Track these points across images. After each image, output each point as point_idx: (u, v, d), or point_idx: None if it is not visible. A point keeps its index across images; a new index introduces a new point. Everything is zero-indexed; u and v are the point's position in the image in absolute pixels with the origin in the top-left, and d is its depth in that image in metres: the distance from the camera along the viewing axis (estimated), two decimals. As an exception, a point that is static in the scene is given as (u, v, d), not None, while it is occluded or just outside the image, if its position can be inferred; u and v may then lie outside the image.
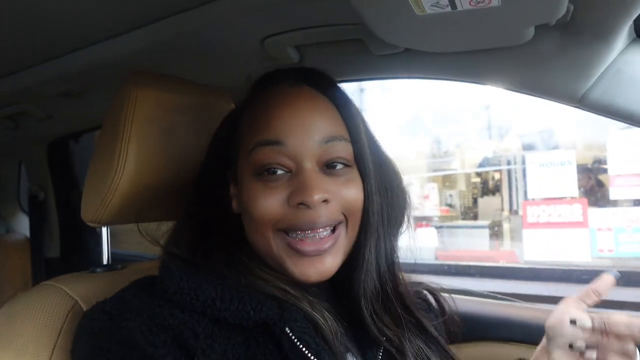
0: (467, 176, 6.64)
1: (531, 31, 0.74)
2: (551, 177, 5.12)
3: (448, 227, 6.24)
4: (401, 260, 0.80)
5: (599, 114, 0.82)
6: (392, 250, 0.76)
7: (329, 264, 0.68)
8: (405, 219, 0.80)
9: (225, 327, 0.62)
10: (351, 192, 0.69)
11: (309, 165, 0.67)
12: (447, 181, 6.67)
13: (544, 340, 0.78)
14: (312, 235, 0.66)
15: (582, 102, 0.82)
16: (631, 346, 0.68)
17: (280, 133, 0.67)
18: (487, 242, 5.83)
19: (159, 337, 0.59)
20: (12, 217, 2.31)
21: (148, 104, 0.84)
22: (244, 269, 0.67)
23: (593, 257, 4.76)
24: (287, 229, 0.67)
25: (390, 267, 0.76)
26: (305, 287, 0.68)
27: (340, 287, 0.74)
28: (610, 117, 0.81)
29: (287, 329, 0.62)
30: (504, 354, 1.06)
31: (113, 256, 0.99)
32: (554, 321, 0.73)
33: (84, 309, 0.76)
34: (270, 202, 0.66)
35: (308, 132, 0.67)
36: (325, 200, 0.66)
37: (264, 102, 0.71)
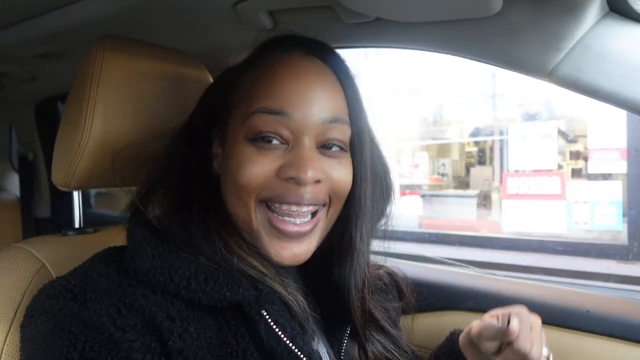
0: (462, 145, 6.61)
1: (499, 3, 0.73)
2: (532, 149, 5.16)
3: (435, 195, 6.27)
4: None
5: (568, 89, 0.81)
6: (369, 240, 0.75)
7: (305, 248, 0.66)
8: (386, 212, 0.79)
9: (197, 309, 0.60)
10: (342, 176, 0.67)
11: (308, 142, 0.64)
12: (440, 150, 6.64)
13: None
14: (295, 212, 0.64)
15: (552, 77, 0.81)
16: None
17: (285, 104, 0.64)
18: (474, 212, 5.87)
19: (127, 320, 0.55)
20: (4, 177, 2.33)
21: (115, 68, 0.83)
22: (223, 243, 0.64)
23: (569, 229, 4.85)
24: (270, 200, 0.64)
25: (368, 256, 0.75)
26: (277, 267, 0.67)
27: (308, 269, 0.72)
28: (578, 92, 0.80)
29: (263, 311, 0.60)
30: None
31: (104, 218, 1.01)
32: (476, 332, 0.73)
33: (51, 271, 0.78)
34: (259, 169, 0.63)
35: (314, 108, 0.64)
36: (318, 181, 0.64)
37: (270, 68, 0.67)
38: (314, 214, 0.67)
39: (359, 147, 0.69)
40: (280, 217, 0.64)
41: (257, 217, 0.65)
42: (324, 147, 0.66)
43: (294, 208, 0.64)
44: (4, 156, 2.30)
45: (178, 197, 0.68)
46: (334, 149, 0.67)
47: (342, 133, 0.67)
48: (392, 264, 0.94)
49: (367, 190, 0.70)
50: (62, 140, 0.87)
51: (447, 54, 0.90)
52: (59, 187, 0.88)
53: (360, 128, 0.70)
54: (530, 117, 6.00)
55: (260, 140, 0.64)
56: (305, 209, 0.65)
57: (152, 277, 0.59)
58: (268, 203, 0.65)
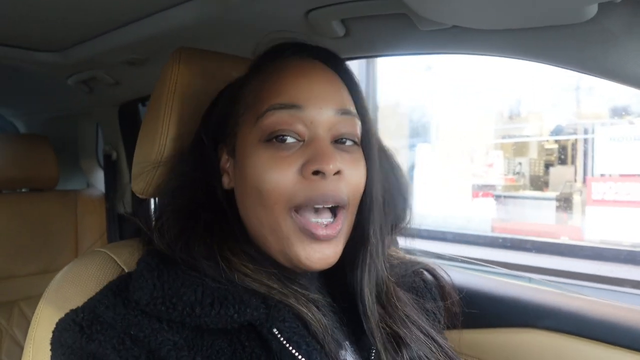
0: (540, 143, 6.15)
1: (594, 8, 0.67)
2: (622, 151, 4.70)
3: (510, 197, 5.83)
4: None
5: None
6: (384, 238, 0.73)
7: (333, 251, 0.65)
8: (403, 218, 0.77)
9: (207, 334, 0.59)
10: (357, 172, 0.67)
11: (323, 135, 0.64)
12: (517, 148, 6.21)
13: None
14: (322, 217, 0.64)
15: (653, 86, 0.74)
16: None
17: (298, 97, 0.64)
18: (553, 216, 5.40)
19: (132, 352, 0.55)
20: (91, 173, 2.50)
21: (190, 79, 0.85)
22: (225, 262, 0.62)
23: (664, 240, 4.35)
24: (301, 205, 0.63)
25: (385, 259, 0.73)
26: (293, 278, 0.65)
27: (330, 276, 0.71)
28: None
29: (274, 329, 0.59)
30: (530, 342, 1.01)
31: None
32: None
33: (130, 276, 0.81)
34: (283, 175, 0.62)
35: (325, 101, 0.65)
36: (339, 172, 0.63)
37: (277, 71, 0.68)
38: (335, 215, 0.65)
39: (369, 142, 0.70)
40: (311, 221, 0.63)
41: (286, 224, 0.63)
42: (337, 142, 0.66)
43: (322, 212, 0.64)
44: (91, 154, 2.47)
45: (183, 219, 0.68)
46: (347, 143, 0.67)
47: (354, 126, 0.67)
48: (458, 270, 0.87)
49: (377, 185, 0.69)
50: (140, 151, 0.90)
51: (531, 61, 0.84)
52: (138, 195, 0.92)
53: (369, 122, 0.70)
54: (618, 113, 5.51)
55: (275, 140, 0.63)
56: (331, 205, 0.64)
57: (154, 307, 0.58)
58: (298, 209, 0.63)
